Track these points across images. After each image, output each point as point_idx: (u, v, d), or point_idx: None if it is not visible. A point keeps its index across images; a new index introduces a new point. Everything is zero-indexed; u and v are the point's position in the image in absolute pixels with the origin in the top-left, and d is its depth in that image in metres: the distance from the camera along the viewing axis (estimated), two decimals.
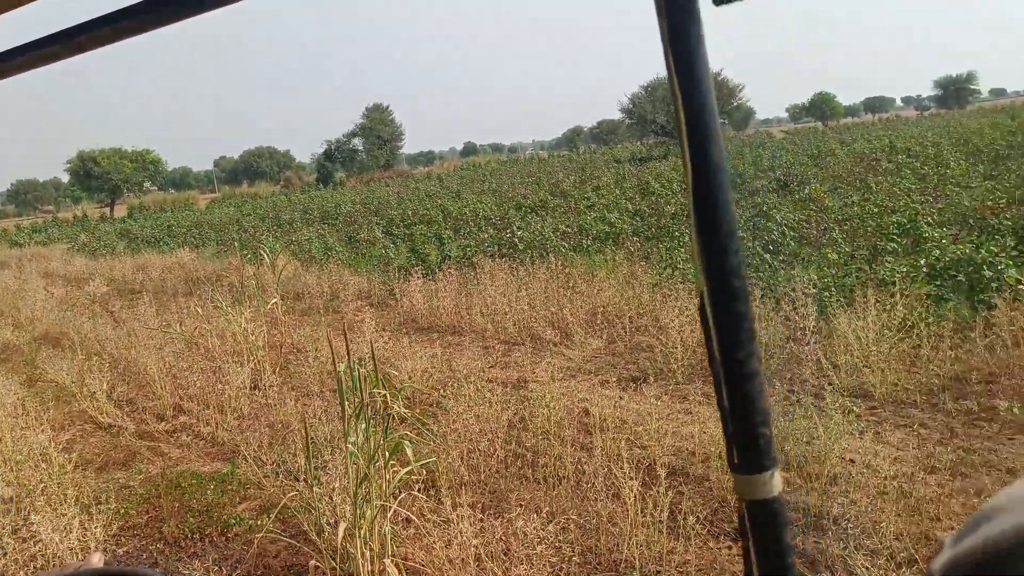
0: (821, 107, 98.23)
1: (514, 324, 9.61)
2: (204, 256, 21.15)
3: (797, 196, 17.66)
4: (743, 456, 0.55)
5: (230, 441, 6.84)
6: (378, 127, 77.51)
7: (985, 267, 7.49)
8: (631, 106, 54.64)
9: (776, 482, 0.55)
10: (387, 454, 3.68)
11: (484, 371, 7.65)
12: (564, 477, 5.19)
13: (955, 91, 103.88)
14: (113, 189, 66.70)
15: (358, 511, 3.61)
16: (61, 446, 6.66)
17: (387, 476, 3.68)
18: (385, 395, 3.65)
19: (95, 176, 65.06)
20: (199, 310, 10.25)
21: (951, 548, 0.47)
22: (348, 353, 3.89)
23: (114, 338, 10.46)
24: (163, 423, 7.58)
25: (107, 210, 67.29)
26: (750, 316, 0.52)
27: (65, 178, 75.97)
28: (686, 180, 0.50)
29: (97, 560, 1.02)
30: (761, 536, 0.56)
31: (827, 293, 8.20)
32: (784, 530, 0.56)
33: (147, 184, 75.04)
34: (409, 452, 3.61)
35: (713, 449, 5.32)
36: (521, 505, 4.79)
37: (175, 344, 9.30)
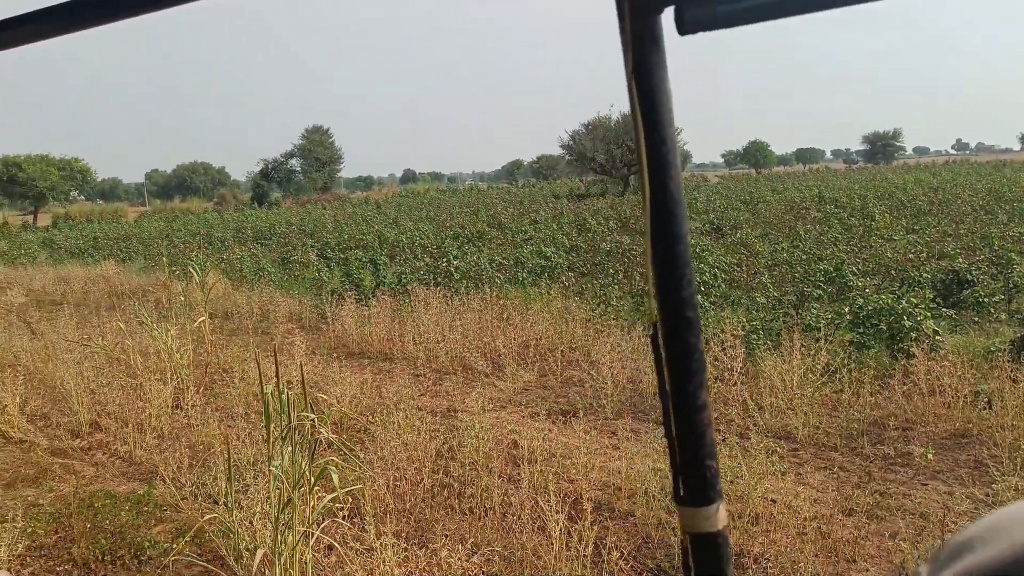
0: (755, 154, 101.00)
1: (446, 353, 9.56)
2: (130, 270, 20.56)
3: (729, 240, 18.11)
4: (689, 488, 0.55)
5: (148, 461, 6.61)
6: (317, 149, 76.69)
7: (905, 317, 7.77)
8: (571, 143, 55.27)
9: (721, 515, 0.55)
10: (312, 480, 3.61)
11: (414, 399, 7.59)
12: (490, 508, 5.16)
13: (882, 147, 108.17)
14: (37, 197, 64.28)
15: (279, 537, 3.52)
16: None
17: (311, 502, 3.60)
18: (313, 419, 3.58)
19: (19, 182, 62.62)
20: (122, 325, 9.93)
21: None
22: (277, 375, 3.82)
23: (30, 350, 10.05)
24: (78, 440, 7.30)
25: (29, 218, 64.81)
26: (701, 348, 0.53)
27: None
28: (644, 211, 0.51)
29: None
30: (704, 571, 0.56)
31: (755, 336, 8.39)
32: (727, 565, 0.55)
33: (74, 194, 72.68)
34: (335, 478, 3.54)
35: (639, 485, 5.35)
36: (446, 535, 4.73)
37: (95, 359, 8.98)
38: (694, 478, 0.54)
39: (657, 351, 0.54)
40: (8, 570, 4.62)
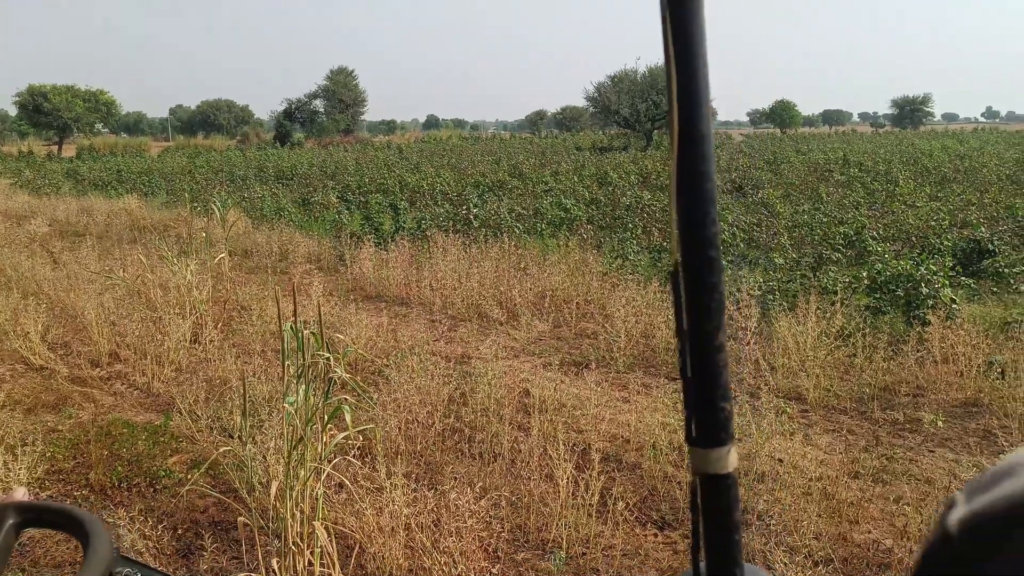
0: (781, 114, 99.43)
1: (462, 300, 9.61)
2: (152, 204, 20.66)
3: (750, 199, 17.97)
4: (701, 430, 0.55)
5: (165, 393, 6.74)
6: (341, 91, 76.20)
7: (923, 284, 7.71)
8: (596, 95, 54.65)
9: (732, 458, 0.54)
10: (325, 417, 3.67)
11: (429, 344, 7.66)
12: (499, 455, 5.24)
13: (910, 111, 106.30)
14: (63, 127, 64.28)
15: (291, 472, 3.60)
16: None
17: (323, 439, 3.67)
18: (328, 358, 3.63)
19: (44, 112, 62.60)
20: (143, 259, 10.03)
21: (967, 504, 0.45)
22: (295, 313, 3.86)
23: (52, 279, 10.19)
24: (97, 369, 7.43)
25: (55, 148, 64.90)
26: (721, 288, 0.53)
27: (12, 111, 73.13)
28: (671, 146, 0.51)
29: (21, 495, 1.01)
30: (712, 512, 0.56)
31: (771, 296, 8.37)
32: (735, 506, 0.55)
33: (99, 126, 72.56)
34: (348, 417, 3.61)
35: (647, 439, 5.41)
36: (455, 479, 4.82)
37: (116, 291, 9.09)
38: (707, 419, 0.54)
39: (677, 289, 0.54)
40: (28, 489, 4.75)
